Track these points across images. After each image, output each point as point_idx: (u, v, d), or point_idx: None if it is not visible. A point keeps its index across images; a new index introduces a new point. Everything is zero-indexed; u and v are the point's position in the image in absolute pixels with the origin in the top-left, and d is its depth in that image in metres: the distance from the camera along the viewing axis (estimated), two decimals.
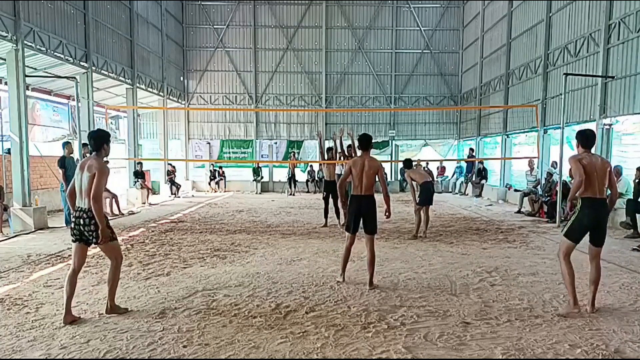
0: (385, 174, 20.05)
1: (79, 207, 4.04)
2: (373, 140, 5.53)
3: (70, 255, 6.67)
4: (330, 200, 9.59)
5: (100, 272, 5.72)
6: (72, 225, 4.07)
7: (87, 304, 4.48)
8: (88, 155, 4.38)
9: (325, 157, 9.85)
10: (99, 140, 4.15)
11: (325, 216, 9.73)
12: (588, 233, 4.20)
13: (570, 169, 4.31)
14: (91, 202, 3.90)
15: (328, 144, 11.40)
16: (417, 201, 8.48)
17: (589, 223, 4.14)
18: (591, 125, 10.89)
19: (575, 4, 11.66)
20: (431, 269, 5.88)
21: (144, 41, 16.25)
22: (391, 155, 20.70)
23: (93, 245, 4.11)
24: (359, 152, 5.47)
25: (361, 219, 5.12)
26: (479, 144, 18.74)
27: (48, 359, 3.29)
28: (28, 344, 3.53)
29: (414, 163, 9.67)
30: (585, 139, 4.30)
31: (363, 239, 5.24)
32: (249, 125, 21.14)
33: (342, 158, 9.49)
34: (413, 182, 8.61)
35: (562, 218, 9.63)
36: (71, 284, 4.04)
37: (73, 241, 4.10)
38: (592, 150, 4.35)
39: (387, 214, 5.28)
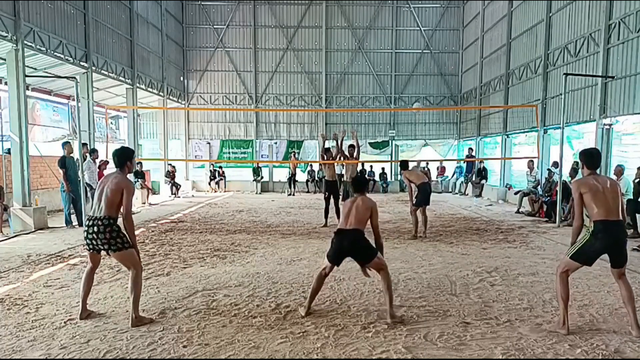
0: (386, 178, 20.18)
1: (93, 215, 3.96)
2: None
3: (70, 255, 6.69)
4: (331, 200, 9.62)
5: (101, 272, 5.71)
6: (85, 234, 3.99)
7: (87, 303, 4.47)
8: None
9: (325, 158, 9.93)
10: (123, 158, 4.17)
11: (326, 216, 9.80)
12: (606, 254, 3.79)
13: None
14: (125, 222, 3.93)
15: (328, 144, 11.51)
16: (414, 202, 8.50)
17: (605, 248, 3.69)
18: (591, 126, 10.91)
19: (575, 4, 11.66)
20: (431, 269, 5.88)
21: (144, 41, 16.25)
22: (391, 155, 20.71)
23: (106, 254, 4.01)
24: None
25: (346, 256, 4.20)
26: (479, 144, 18.74)
27: (48, 359, 3.29)
28: (28, 344, 3.53)
29: (414, 164, 9.72)
30: (590, 158, 3.90)
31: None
32: (249, 125, 21.14)
33: (342, 158, 9.74)
34: (411, 183, 8.63)
35: (562, 218, 9.63)
36: (88, 281, 4.12)
37: (88, 250, 4.07)
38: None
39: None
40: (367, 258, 4.15)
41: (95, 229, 3.88)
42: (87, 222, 3.99)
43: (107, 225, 3.87)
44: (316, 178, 19.61)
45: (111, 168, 4.75)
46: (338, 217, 9.52)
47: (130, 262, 4.00)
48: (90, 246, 3.98)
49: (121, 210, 3.97)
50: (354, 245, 4.12)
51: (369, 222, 4.26)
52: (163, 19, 18.07)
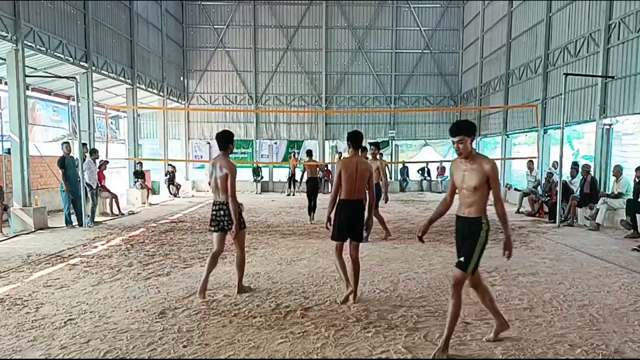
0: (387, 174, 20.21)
1: (217, 201, 4.57)
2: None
3: (70, 255, 6.69)
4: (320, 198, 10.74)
5: (100, 272, 5.72)
6: (212, 217, 4.60)
7: (87, 303, 4.48)
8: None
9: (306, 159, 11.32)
10: (225, 141, 4.61)
11: (309, 212, 10.50)
12: None
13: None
14: (230, 201, 4.46)
15: (329, 143, 11.95)
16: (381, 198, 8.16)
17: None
18: (591, 126, 10.91)
19: (575, 4, 11.66)
20: (431, 269, 5.88)
21: (144, 41, 16.25)
22: (391, 155, 20.71)
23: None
24: (345, 154, 5.10)
25: (347, 226, 4.48)
26: (479, 144, 18.72)
27: (48, 359, 3.29)
28: (28, 344, 3.53)
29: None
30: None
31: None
32: (249, 125, 21.13)
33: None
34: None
35: (562, 218, 9.63)
36: (212, 263, 4.68)
37: (213, 231, 4.65)
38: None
39: (366, 226, 4.69)
40: (359, 238, 4.58)
41: (222, 212, 4.53)
42: (214, 206, 4.59)
43: (228, 209, 4.49)
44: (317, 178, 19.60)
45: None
46: (310, 214, 10.43)
47: (243, 241, 4.74)
48: (218, 227, 4.60)
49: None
50: (358, 216, 4.50)
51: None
52: (163, 19, 18.06)
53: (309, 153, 11.95)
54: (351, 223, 4.48)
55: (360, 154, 4.68)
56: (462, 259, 3.34)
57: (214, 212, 4.59)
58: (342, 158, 8.63)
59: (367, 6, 20.63)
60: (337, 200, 4.53)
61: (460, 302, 3.36)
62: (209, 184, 4.72)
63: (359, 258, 4.60)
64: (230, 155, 4.72)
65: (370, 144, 8.60)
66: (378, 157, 8.61)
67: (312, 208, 10.47)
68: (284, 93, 21.13)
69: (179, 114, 20.80)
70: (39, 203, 9.74)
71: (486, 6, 17.95)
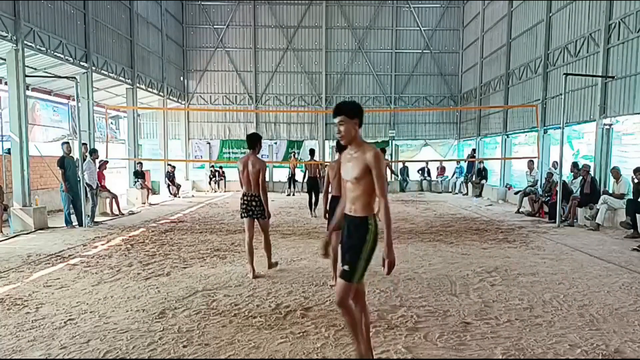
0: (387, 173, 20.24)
1: (248, 193, 5.45)
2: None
3: (70, 255, 6.69)
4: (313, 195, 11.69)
5: (100, 272, 5.72)
6: (243, 206, 5.49)
7: (87, 303, 4.48)
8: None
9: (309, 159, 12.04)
10: (254, 140, 5.47)
11: (310, 207, 11.62)
12: None
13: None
14: (261, 192, 5.37)
15: (329, 143, 12.39)
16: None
17: None
18: (591, 126, 10.91)
19: (575, 4, 11.66)
20: (431, 269, 5.88)
21: (144, 41, 16.25)
22: (391, 155, 20.69)
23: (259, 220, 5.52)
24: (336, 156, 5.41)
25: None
26: (479, 144, 18.73)
27: (48, 359, 3.29)
28: (28, 344, 3.53)
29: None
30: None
31: None
32: (249, 125, 21.12)
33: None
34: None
35: (562, 218, 9.63)
36: (250, 250, 5.51)
37: (243, 217, 5.55)
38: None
39: None
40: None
41: (254, 203, 5.44)
42: (245, 197, 5.48)
43: (260, 200, 5.40)
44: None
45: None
46: (311, 209, 11.67)
47: (268, 227, 5.72)
48: (247, 214, 5.49)
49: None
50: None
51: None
52: (163, 19, 18.06)
53: (312, 152, 12.82)
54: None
55: None
56: (346, 267, 2.88)
57: (246, 203, 5.45)
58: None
59: (367, 6, 20.63)
60: (331, 198, 5.17)
61: (352, 312, 2.97)
62: (240, 179, 5.51)
63: None
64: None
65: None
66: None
67: (314, 203, 11.56)
68: (284, 93, 21.12)
69: (179, 114, 20.80)
70: (39, 203, 9.74)
71: (486, 6, 17.95)
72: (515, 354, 3.35)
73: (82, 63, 11.96)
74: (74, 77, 10.16)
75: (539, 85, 13.51)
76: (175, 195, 16.66)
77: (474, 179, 17.23)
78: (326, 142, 21.07)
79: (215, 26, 20.68)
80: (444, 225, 9.93)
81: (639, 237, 7.80)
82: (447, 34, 20.92)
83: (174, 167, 17.31)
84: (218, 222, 10.36)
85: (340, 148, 5.01)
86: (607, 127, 10.15)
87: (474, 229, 9.32)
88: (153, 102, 18.53)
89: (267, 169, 20.62)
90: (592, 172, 9.91)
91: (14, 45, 9.27)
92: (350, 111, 3.01)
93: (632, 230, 8.03)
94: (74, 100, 12.06)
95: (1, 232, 8.55)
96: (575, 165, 10.44)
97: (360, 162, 2.89)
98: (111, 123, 19.03)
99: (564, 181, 9.98)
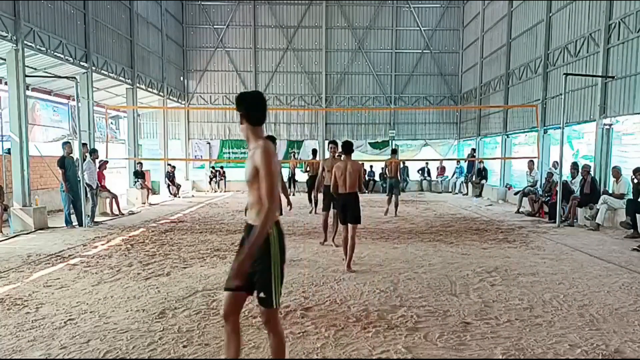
0: (386, 178, 20.21)
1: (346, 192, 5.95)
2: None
3: (70, 255, 6.69)
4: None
5: (100, 272, 5.72)
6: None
7: (87, 303, 4.48)
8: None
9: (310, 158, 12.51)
10: (350, 147, 6.05)
11: (310, 202, 12.07)
12: None
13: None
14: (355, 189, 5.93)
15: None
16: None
17: None
18: (591, 126, 10.91)
19: (575, 4, 11.66)
20: (431, 269, 5.88)
21: (144, 41, 16.25)
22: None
23: None
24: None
25: (346, 213, 5.88)
26: (479, 144, 18.73)
27: (48, 359, 3.29)
28: (28, 344, 3.53)
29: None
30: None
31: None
32: None
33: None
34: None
35: (562, 218, 9.63)
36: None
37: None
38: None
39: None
40: (356, 218, 5.80)
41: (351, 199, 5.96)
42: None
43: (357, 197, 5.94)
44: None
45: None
46: (311, 203, 12.06)
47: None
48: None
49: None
50: (352, 204, 5.83)
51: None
52: (163, 19, 18.06)
53: (314, 152, 13.79)
54: (347, 210, 5.82)
55: (351, 158, 6.05)
56: (262, 295, 2.61)
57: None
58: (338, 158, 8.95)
59: (367, 6, 20.63)
60: (335, 193, 6.08)
61: (280, 334, 2.80)
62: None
63: (355, 237, 5.90)
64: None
65: (330, 142, 8.44)
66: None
67: (314, 200, 11.77)
68: (284, 93, 21.13)
69: (179, 113, 20.80)
70: (39, 203, 9.73)
71: (486, 6, 17.96)
72: (515, 354, 3.35)
73: (82, 63, 11.96)
74: (74, 77, 10.16)
75: (539, 85, 13.51)
76: (175, 195, 16.66)
77: (474, 179, 17.23)
78: (326, 142, 21.03)
79: (215, 26, 20.68)
80: (444, 225, 9.93)
81: (639, 237, 7.80)
82: (447, 34, 20.92)
83: (174, 167, 17.31)
84: (218, 222, 10.36)
85: (347, 152, 6.02)
86: (607, 127, 10.15)
87: (474, 229, 9.32)
88: (153, 102, 18.53)
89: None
90: (592, 172, 9.91)
91: (14, 45, 9.27)
92: (242, 104, 2.64)
93: (632, 230, 8.03)
94: (74, 100, 12.06)
95: (1, 232, 8.54)
96: (574, 165, 10.44)
97: (251, 163, 2.53)
98: (111, 123, 19.03)
99: (565, 181, 9.98)
